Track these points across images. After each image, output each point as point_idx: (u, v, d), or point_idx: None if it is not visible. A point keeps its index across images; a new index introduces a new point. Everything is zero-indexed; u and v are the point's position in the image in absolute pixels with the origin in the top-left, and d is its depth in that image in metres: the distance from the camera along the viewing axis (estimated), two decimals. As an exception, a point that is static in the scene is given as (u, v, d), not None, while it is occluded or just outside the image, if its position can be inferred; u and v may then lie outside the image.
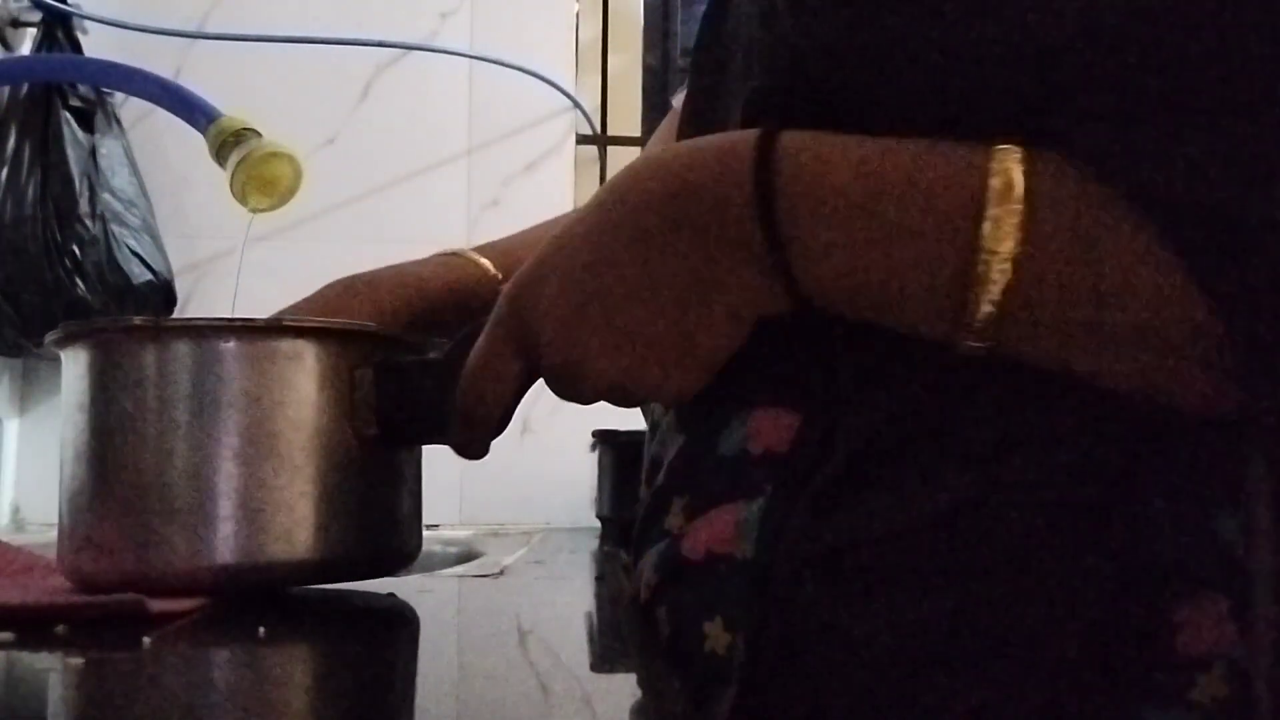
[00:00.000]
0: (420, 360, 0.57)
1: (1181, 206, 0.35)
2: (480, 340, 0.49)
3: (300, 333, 0.53)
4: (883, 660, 0.40)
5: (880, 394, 0.43)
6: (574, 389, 0.47)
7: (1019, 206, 0.37)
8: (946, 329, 0.39)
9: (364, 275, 0.72)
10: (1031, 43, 0.37)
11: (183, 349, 0.51)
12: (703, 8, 0.58)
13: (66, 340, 0.53)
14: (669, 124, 0.84)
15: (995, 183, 0.37)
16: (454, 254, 0.75)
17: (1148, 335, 0.37)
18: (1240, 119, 0.35)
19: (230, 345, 0.51)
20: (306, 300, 0.70)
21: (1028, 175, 0.37)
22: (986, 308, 0.38)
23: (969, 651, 0.40)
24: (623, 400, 0.46)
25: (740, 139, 0.43)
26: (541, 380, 0.48)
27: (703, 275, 0.43)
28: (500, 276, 0.74)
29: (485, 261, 0.74)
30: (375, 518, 0.55)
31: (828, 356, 0.44)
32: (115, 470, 0.51)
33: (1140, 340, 0.37)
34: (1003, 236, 0.37)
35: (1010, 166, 0.37)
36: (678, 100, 0.84)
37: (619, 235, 0.44)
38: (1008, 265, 0.37)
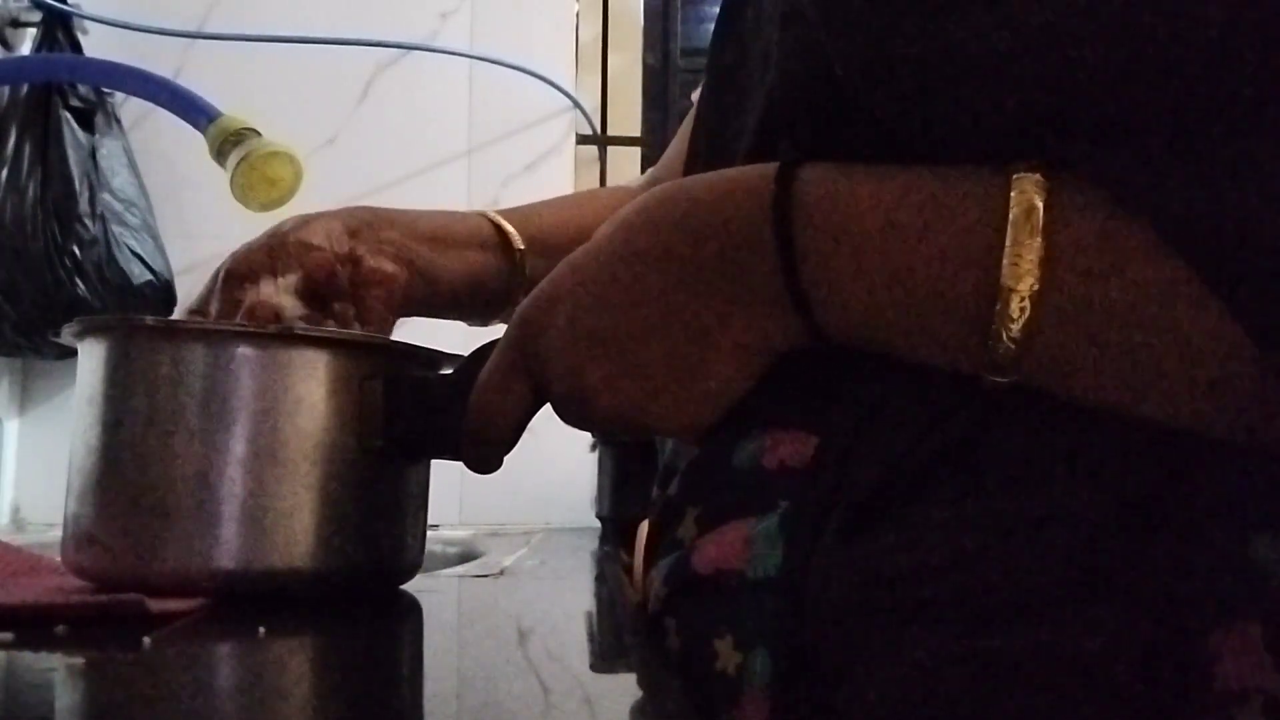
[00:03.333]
0: (430, 375, 0.57)
1: (1208, 230, 0.34)
2: (490, 361, 0.49)
3: (313, 342, 0.53)
4: (918, 699, 0.39)
5: (902, 416, 0.42)
6: (581, 418, 0.47)
7: (1039, 241, 0.36)
8: (968, 364, 0.39)
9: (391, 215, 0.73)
10: (1051, 56, 0.35)
11: (197, 350, 0.51)
12: (704, 7, 0.58)
13: (85, 333, 0.53)
14: (690, 123, 0.84)
15: (1015, 215, 0.36)
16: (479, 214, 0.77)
17: (1183, 373, 0.36)
18: (1265, 135, 0.34)
19: (244, 350, 0.51)
20: (331, 213, 0.71)
21: (1049, 207, 0.36)
22: (1007, 345, 0.37)
23: (1005, 692, 0.38)
24: (631, 432, 0.46)
25: (758, 174, 0.42)
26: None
27: (719, 311, 0.42)
28: (524, 248, 0.75)
29: (498, 217, 0.76)
30: (376, 530, 0.55)
31: (846, 376, 0.44)
32: (120, 466, 0.51)
33: (1176, 378, 0.36)
34: (1022, 274, 0.36)
35: (1031, 196, 0.36)
36: (697, 94, 0.84)
37: (633, 268, 0.44)
38: (1027, 303, 0.36)
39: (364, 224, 0.71)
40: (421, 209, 0.76)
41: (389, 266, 0.70)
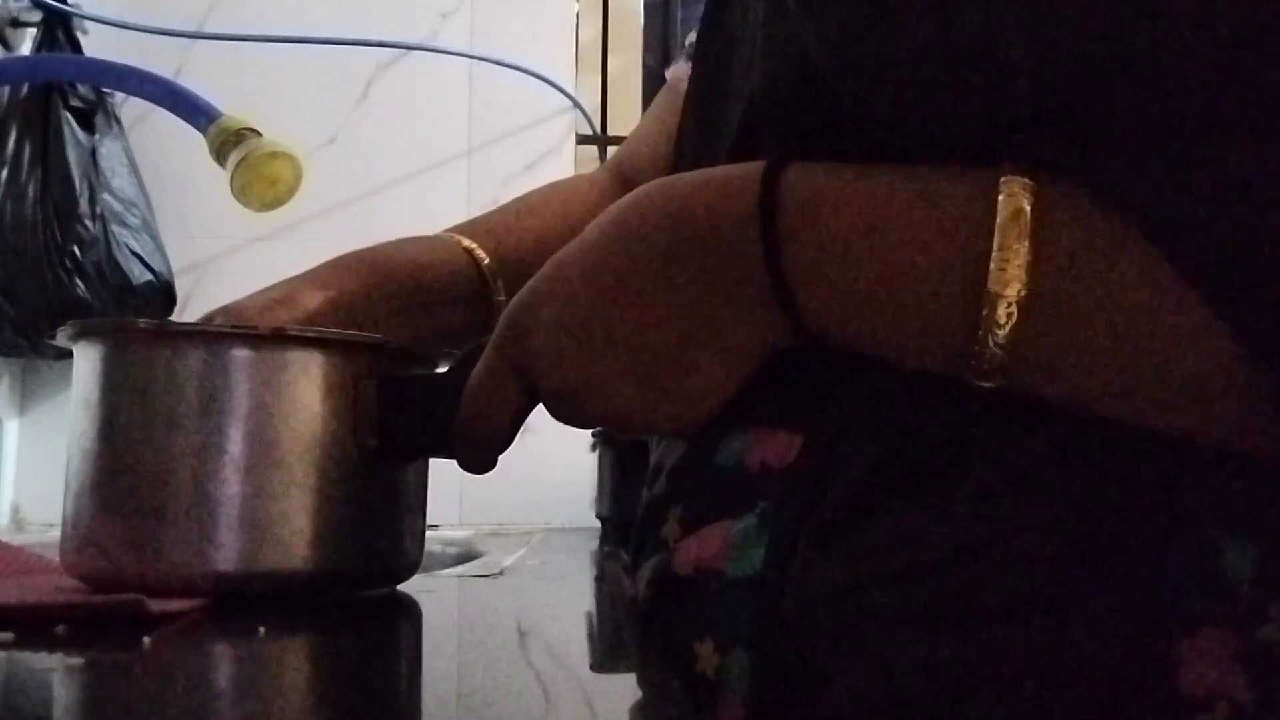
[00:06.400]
0: (424, 375, 0.57)
1: (1196, 235, 0.34)
2: (481, 361, 0.49)
3: (307, 342, 0.53)
4: (887, 703, 0.39)
5: (886, 419, 0.42)
6: (572, 416, 0.47)
7: (1026, 246, 0.36)
8: (953, 368, 0.38)
9: (359, 253, 0.73)
10: (1039, 57, 0.35)
11: (192, 353, 0.51)
12: (703, 7, 0.57)
13: (80, 335, 0.53)
14: (665, 100, 0.83)
15: (1002, 219, 0.36)
16: (438, 236, 0.76)
17: (1171, 378, 0.36)
18: (1252, 140, 0.33)
19: (239, 352, 0.51)
20: (309, 274, 0.71)
21: (1035, 212, 0.36)
22: (994, 350, 0.37)
23: (976, 696, 0.38)
24: (622, 430, 0.46)
25: (745, 173, 0.42)
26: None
27: (706, 310, 0.42)
28: (488, 259, 0.74)
29: (471, 244, 0.75)
30: (373, 530, 0.55)
31: (833, 377, 0.44)
32: (117, 469, 0.51)
33: (1163, 382, 0.36)
34: (1009, 280, 0.36)
35: (1019, 199, 0.36)
36: (671, 73, 0.83)
37: (619, 267, 0.44)
38: (1014, 309, 0.36)
39: (354, 299, 0.70)
40: (401, 247, 0.74)
41: None
